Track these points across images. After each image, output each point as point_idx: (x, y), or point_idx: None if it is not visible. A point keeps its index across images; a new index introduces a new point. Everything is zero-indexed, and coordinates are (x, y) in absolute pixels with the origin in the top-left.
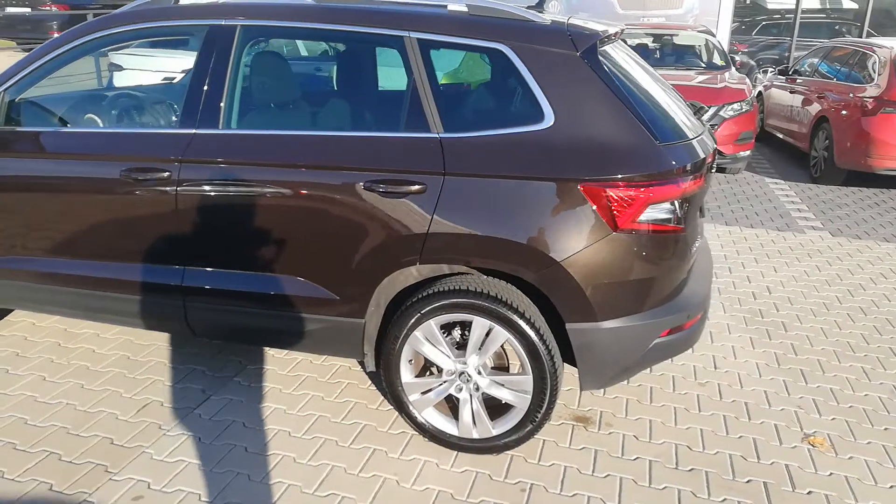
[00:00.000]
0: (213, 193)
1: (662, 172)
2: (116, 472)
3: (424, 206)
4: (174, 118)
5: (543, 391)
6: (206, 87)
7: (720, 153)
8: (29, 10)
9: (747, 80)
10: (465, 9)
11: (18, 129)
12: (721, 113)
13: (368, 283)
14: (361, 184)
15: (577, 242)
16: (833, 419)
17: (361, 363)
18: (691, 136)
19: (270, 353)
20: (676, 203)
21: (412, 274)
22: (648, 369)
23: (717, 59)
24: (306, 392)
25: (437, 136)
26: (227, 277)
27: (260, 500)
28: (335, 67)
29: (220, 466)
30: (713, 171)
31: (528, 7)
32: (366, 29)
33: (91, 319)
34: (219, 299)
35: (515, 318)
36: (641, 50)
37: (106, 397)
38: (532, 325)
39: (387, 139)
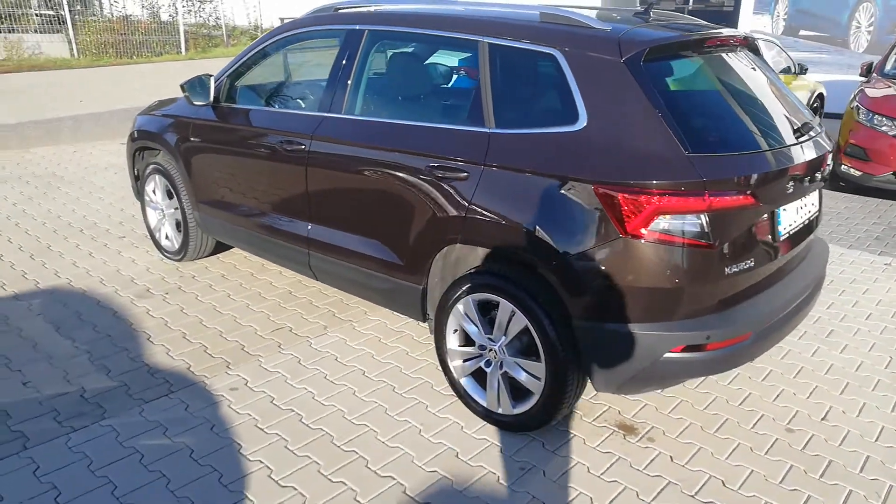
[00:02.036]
0: (327, 165)
1: (682, 183)
2: None
3: (466, 191)
4: (320, 103)
5: (556, 381)
6: (337, 79)
7: None
8: None
9: None
10: (538, 15)
11: (232, 105)
12: None
13: (424, 254)
14: (424, 167)
15: (586, 241)
16: None
17: None
18: (760, 149)
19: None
20: (704, 217)
21: (478, 255)
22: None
23: None
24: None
25: (487, 130)
26: (332, 234)
27: None
28: (426, 66)
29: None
30: (821, 183)
31: (636, 13)
32: (448, 34)
33: (259, 256)
34: (327, 251)
35: (533, 305)
36: None
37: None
38: (548, 315)
39: (449, 130)
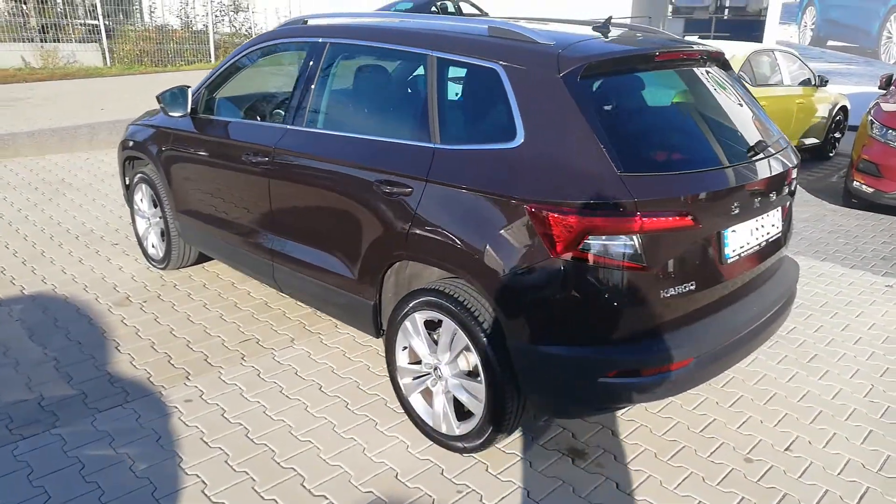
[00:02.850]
0: (287, 177)
1: (613, 203)
2: None
3: (410, 207)
4: (284, 115)
5: (496, 402)
6: (298, 92)
7: None
8: None
9: None
10: (486, 30)
11: (206, 116)
12: None
13: (374, 269)
14: (374, 181)
15: (519, 262)
16: None
17: None
18: (702, 168)
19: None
20: (637, 238)
21: (426, 273)
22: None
23: None
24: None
25: (432, 146)
26: (293, 246)
27: None
28: (380, 79)
29: None
30: (785, 201)
31: (595, 27)
32: (400, 47)
33: (231, 267)
34: (289, 263)
35: (473, 325)
36: None
37: None
38: (486, 335)
39: (398, 145)
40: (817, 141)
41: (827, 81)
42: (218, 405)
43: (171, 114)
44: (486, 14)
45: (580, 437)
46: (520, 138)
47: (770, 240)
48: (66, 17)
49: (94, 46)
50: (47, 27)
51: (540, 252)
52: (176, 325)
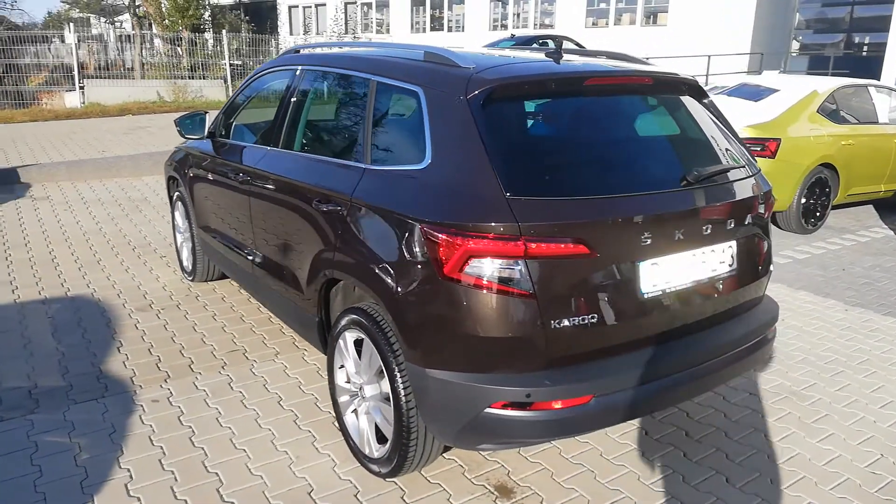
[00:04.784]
0: (260, 195)
1: (496, 226)
2: None
3: (338, 225)
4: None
5: (401, 426)
6: (276, 116)
7: None
8: None
9: None
10: (422, 54)
11: (218, 139)
12: None
13: (312, 285)
14: (314, 199)
15: (412, 283)
16: None
17: None
18: (603, 195)
19: None
20: (523, 263)
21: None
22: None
23: None
24: None
25: (362, 166)
26: (268, 263)
27: None
28: (334, 102)
29: None
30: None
31: (549, 54)
32: (351, 72)
33: (235, 282)
34: (266, 279)
35: (384, 345)
36: None
37: None
38: (395, 356)
39: (338, 165)
40: None
41: None
42: (179, 408)
43: (186, 137)
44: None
45: (516, 474)
46: (427, 160)
47: (719, 277)
48: (213, 58)
49: (219, 83)
50: (195, 66)
51: (430, 274)
52: (179, 331)
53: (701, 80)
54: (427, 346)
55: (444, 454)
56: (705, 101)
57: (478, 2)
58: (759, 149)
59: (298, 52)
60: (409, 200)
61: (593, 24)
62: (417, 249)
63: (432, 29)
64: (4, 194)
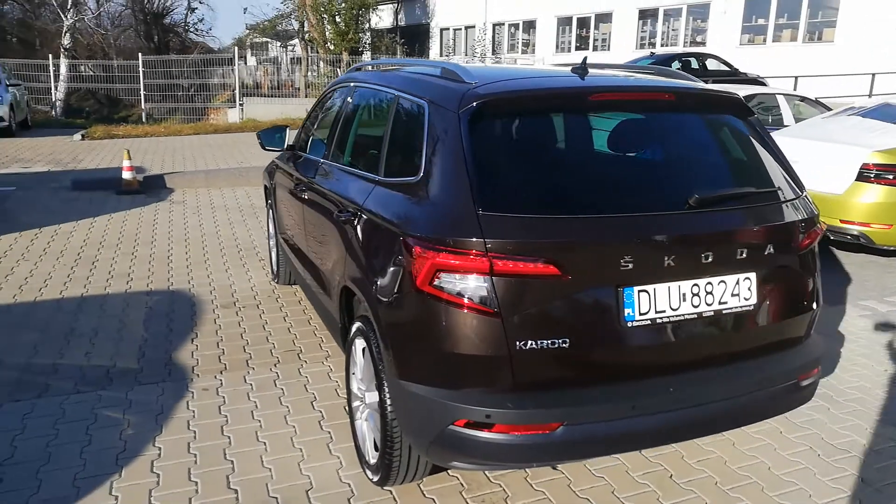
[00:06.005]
0: (312, 205)
1: (462, 241)
2: None
3: (350, 234)
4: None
5: (385, 434)
6: (333, 130)
7: None
8: None
9: None
10: (440, 71)
11: (294, 151)
12: None
13: (333, 291)
14: (337, 208)
15: (392, 294)
16: None
17: None
18: (581, 215)
19: None
20: (489, 280)
21: None
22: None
23: None
24: None
25: (376, 177)
26: (314, 269)
27: None
28: (368, 116)
29: None
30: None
31: (574, 69)
32: (384, 88)
33: (297, 283)
34: (310, 279)
35: (377, 355)
36: None
37: None
38: (384, 366)
39: (360, 176)
40: None
41: None
42: (224, 398)
43: (266, 149)
44: (737, 70)
45: (514, 500)
46: (420, 172)
47: (729, 312)
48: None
49: None
50: (309, 86)
51: (407, 286)
52: (251, 328)
53: (861, 101)
54: (401, 357)
55: (448, 471)
56: (749, 118)
57: (625, 19)
58: (891, 177)
59: (360, 69)
60: (398, 212)
61: (749, 41)
62: (399, 261)
63: (577, 48)
64: (151, 198)
